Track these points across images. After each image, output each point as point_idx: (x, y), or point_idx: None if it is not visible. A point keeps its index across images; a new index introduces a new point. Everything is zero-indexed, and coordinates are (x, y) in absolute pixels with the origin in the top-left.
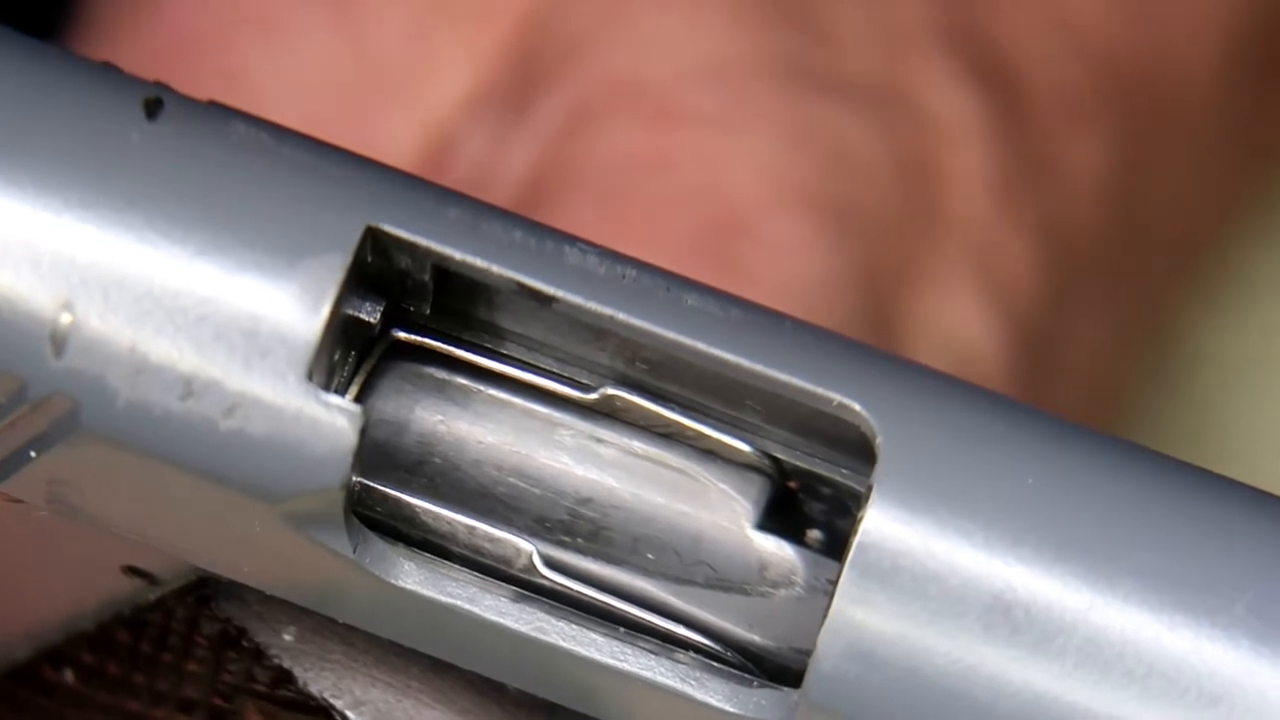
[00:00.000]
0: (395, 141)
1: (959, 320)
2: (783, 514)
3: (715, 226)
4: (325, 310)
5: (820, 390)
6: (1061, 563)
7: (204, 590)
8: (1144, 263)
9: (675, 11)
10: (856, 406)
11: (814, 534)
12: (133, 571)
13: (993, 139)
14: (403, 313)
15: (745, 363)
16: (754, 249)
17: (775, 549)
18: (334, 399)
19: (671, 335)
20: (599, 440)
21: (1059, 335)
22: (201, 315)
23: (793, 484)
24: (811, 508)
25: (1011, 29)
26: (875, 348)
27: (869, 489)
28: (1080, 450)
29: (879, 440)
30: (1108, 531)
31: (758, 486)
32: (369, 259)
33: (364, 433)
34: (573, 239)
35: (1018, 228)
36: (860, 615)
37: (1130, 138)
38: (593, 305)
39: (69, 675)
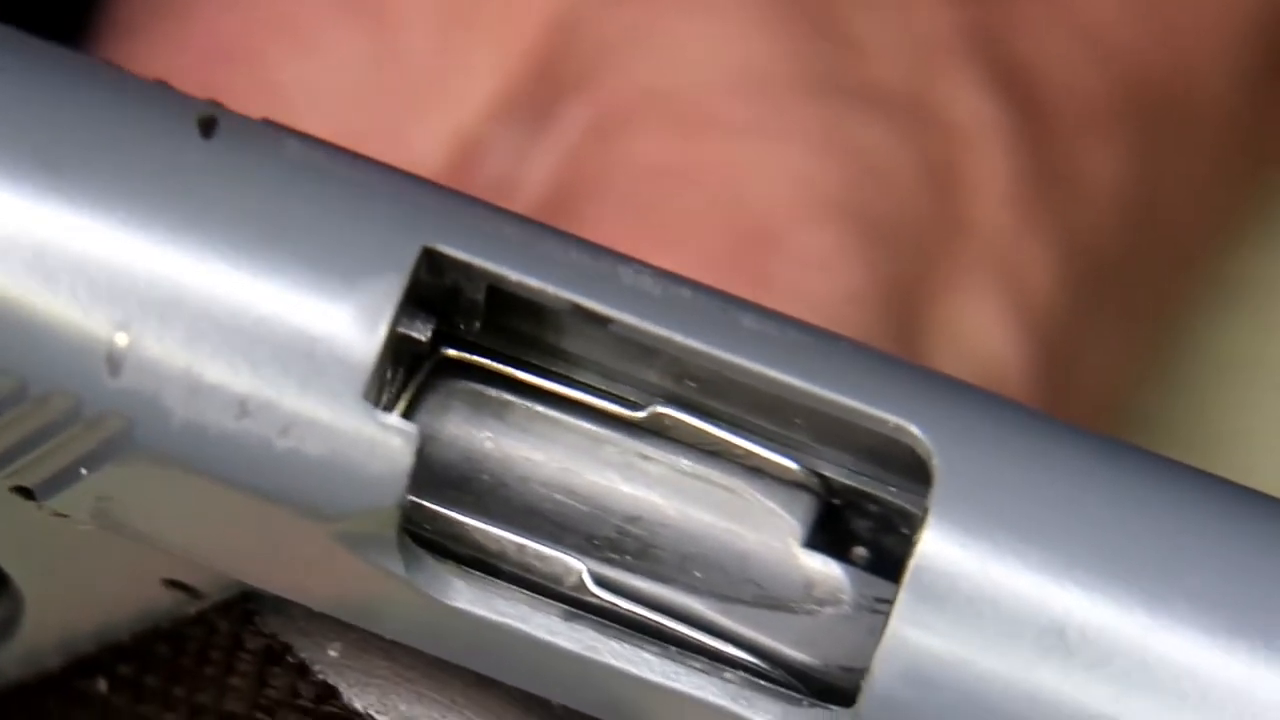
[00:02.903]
0: (421, 149)
1: (980, 329)
2: (829, 531)
3: (743, 238)
4: (382, 331)
5: (877, 412)
6: (1117, 586)
7: (247, 605)
8: (1159, 269)
9: (703, 20)
10: (913, 429)
11: (860, 551)
12: (173, 585)
13: (1015, 148)
14: (452, 329)
15: (803, 384)
16: (782, 262)
17: (822, 567)
18: (390, 419)
19: (730, 358)
20: (647, 458)
21: (1078, 343)
22: (257, 336)
23: (838, 501)
24: (858, 525)
25: (1033, 39)
26: (930, 369)
27: (925, 511)
28: (1134, 473)
29: (935, 462)
30: (1163, 554)
31: (805, 504)
32: (425, 279)
33: (419, 453)
34: (627, 259)
35: (1039, 237)
36: (916, 637)
37: (1148, 145)
38: (650, 326)
39: (102, 685)
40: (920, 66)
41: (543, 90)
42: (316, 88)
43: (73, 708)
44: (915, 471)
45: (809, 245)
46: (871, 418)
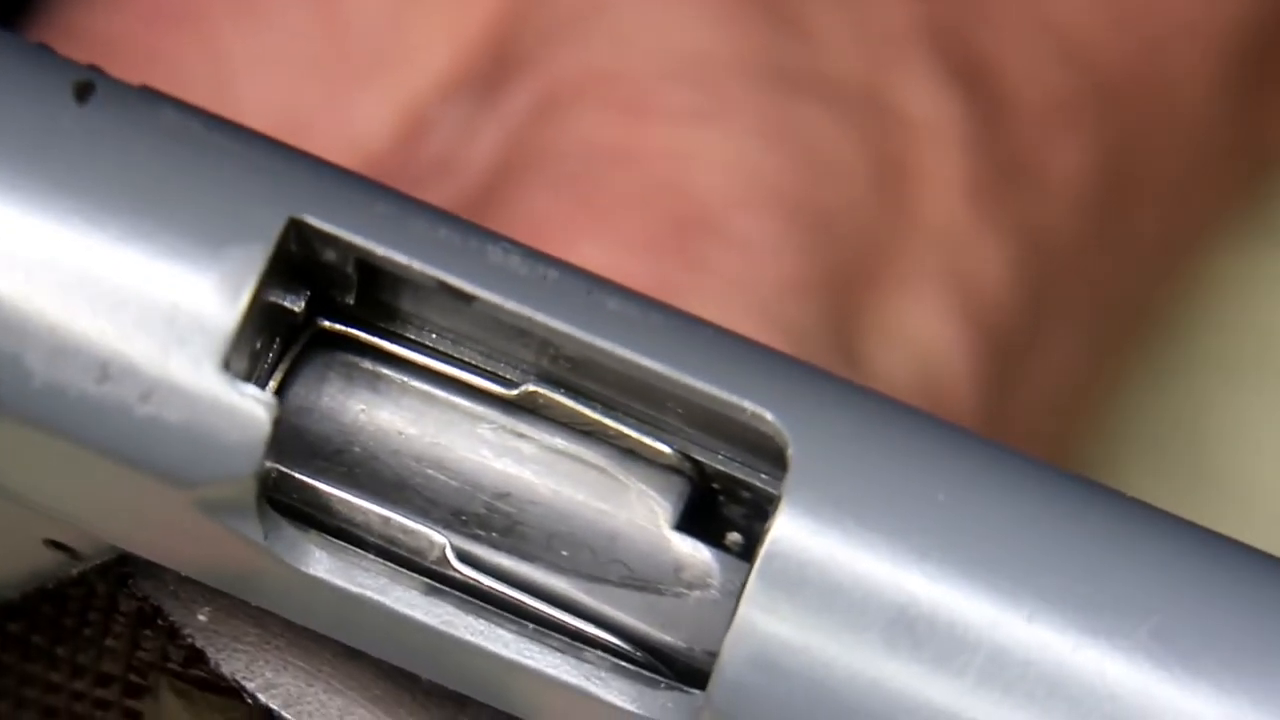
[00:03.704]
0: (368, 121)
1: (925, 326)
2: (702, 516)
3: (680, 222)
4: (244, 300)
5: (734, 399)
6: (967, 580)
7: (124, 568)
8: (1125, 267)
9: (654, 3)
10: (769, 416)
11: (734, 537)
12: (54, 545)
13: (971, 142)
14: (329, 301)
15: (662, 368)
16: (719, 247)
17: (691, 550)
18: (248, 388)
19: (590, 339)
20: (519, 435)
21: (1030, 341)
22: (122, 300)
23: (715, 486)
24: (732, 511)
25: (996, 31)
26: (792, 358)
27: (778, 498)
28: (990, 468)
29: (790, 451)
30: (1014, 551)
31: (677, 487)
32: (293, 249)
33: (278, 422)
34: (497, 238)
35: (992, 232)
36: (765, 623)
37: (1115, 141)
38: (512, 305)
39: None
40: (875, 58)
41: (492, 68)
42: (263, 56)
43: None
44: (778, 457)
45: (748, 231)
46: (730, 405)
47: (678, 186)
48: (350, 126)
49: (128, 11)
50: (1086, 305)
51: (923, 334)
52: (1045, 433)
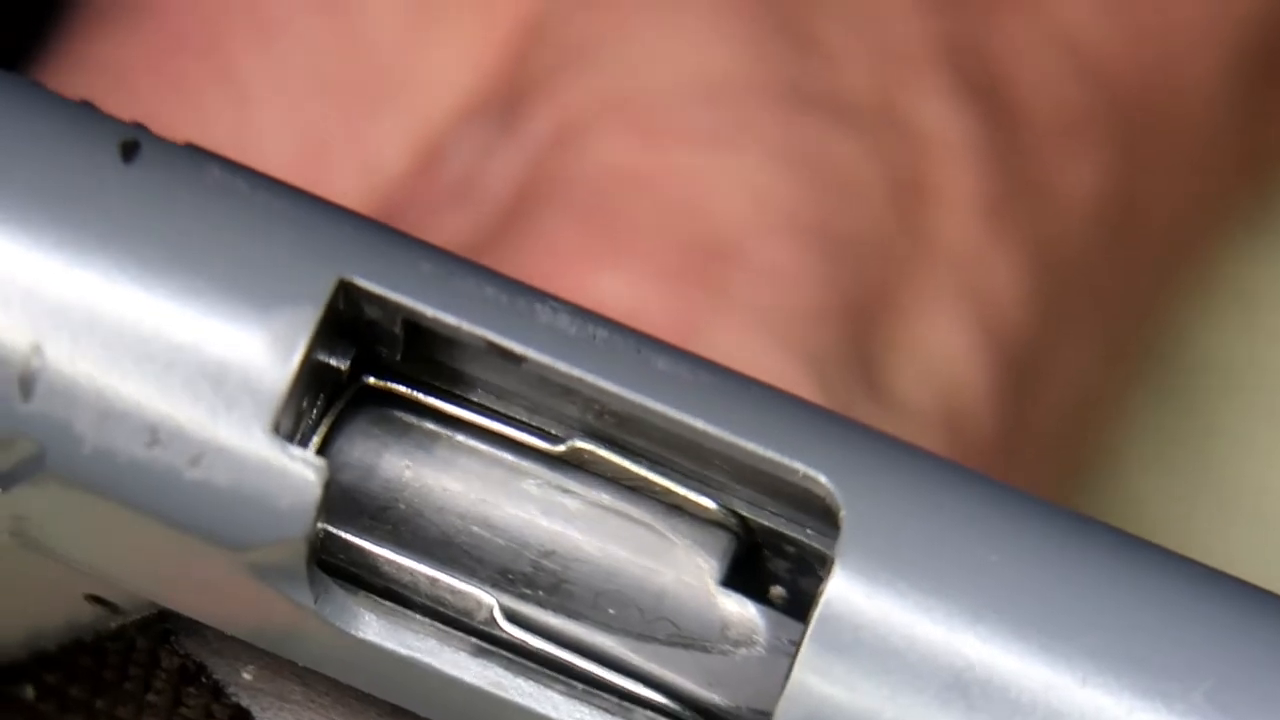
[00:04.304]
0: (386, 148)
1: (944, 347)
2: (747, 570)
3: (701, 249)
4: (294, 363)
5: (786, 460)
6: (1021, 642)
7: (165, 624)
8: (1134, 276)
9: (671, 27)
10: (822, 479)
11: (778, 590)
12: (95, 600)
13: (985, 158)
14: (374, 356)
15: (714, 430)
16: (740, 274)
17: (738, 607)
18: (298, 451)
19: (639, 399)
20: (565, 491)
21: (1045, 354)
22: (170, 362)
23: (757, 540)
24: (776, 565)
25: (1011, 45)
26: (841, 416)
27: (831, 561)
28: (1043, 528)
29: (843, 513)
30: (1068, 612)
31: (723, 544)
32: (341, 309)
33: (328, 486)
34: (545, 296)
35: (1007, 248)
36: (819, 686)
37: (1126, 152)
38: (561, 366)
39: (29, 692)
40: (891, 77)
41: (510, 94)
42: (280, 83)
43: (1, 712)
44: (829, 516)
45: (768, 258)
46: (782, 466)
47: (697, 213)
48: (368, 153)
49: (144, 39)
50: (1097, 314)
51: (941, 352)
52: (1058, 443)
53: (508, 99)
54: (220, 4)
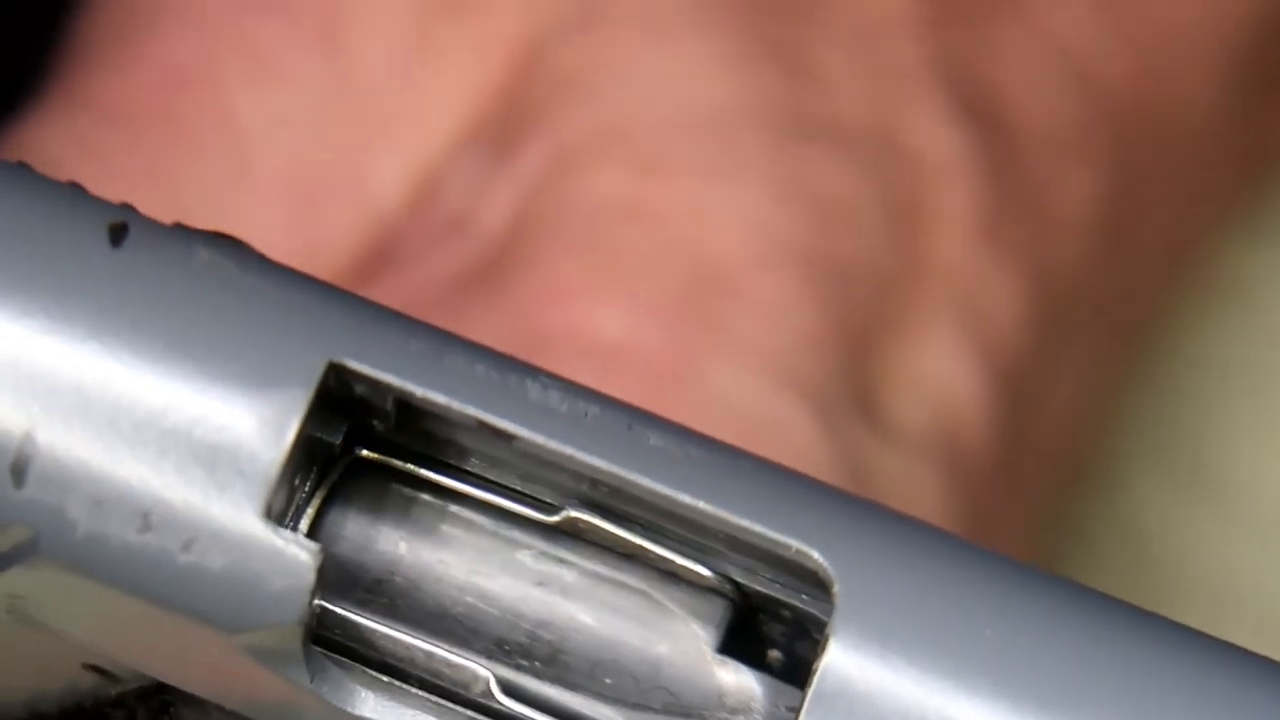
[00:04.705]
0: (381, 181)
1: (941, 366)
2: (743, 635)
3: (697, 283)
4: (285, 445)
5: (779, 536)
6: (1016, 716)
7: (164, 695)
8: (1131, 284)
9: (665, 57)
10: (815, 554)
11: (774, 654)
12: (93, 669)
13: (981, 178)
14: (367, 429)
15: (706, 506)
16: (737, 307)
17: (735, 675)
18: (291, 535)
19: (633, 477)
20: (560, 561)
21: (1043, 370)
22: (161, 449)
23: (752, 605)
24: (772, 629)
25: (1007, 62)
26: (835, 489)
27: (825, 637)
28: (1039, 599)
29: (837, 587)
30: (1065, 683)
31: (719, 610)
32: (331, 388)
33: (322, 569)
34: (536, 372)
35: (1003, 267)
36: None
37: (1122, 164)
38: (553, 444)
39: None
40: (886, 98)
41: (505, 124)
42: (275, 117)
43: None
44: (823, 587)
45: (764, 291)
46: (775, 541)
47: (694, 246)
48: (363, 187)
49: (139, 75)
50: (1094, 325)
51: (938, 375)
52: (1058, 454)
53: (503, 130)
54: (216, 41)
